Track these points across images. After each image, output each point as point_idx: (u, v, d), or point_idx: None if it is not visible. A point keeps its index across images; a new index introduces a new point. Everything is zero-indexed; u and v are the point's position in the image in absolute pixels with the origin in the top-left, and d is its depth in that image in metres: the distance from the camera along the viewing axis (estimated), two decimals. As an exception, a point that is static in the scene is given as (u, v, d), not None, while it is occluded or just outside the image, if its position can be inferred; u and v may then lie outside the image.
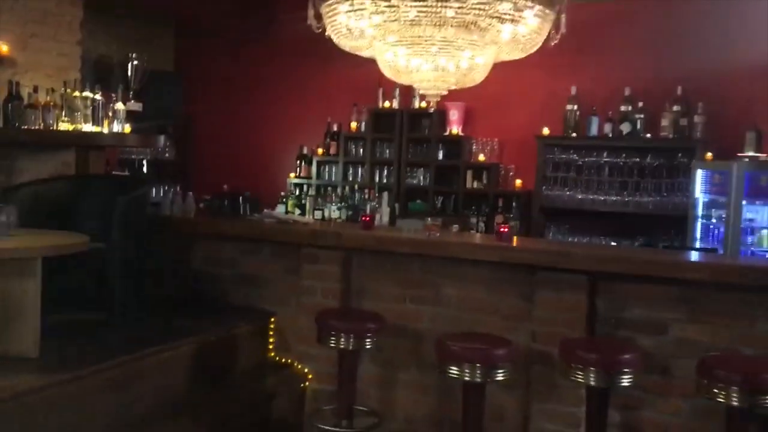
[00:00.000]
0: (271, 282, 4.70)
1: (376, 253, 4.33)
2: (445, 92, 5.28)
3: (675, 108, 6.29)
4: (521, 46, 4.96)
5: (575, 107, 6.62)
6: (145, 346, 3.75)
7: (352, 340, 3.77)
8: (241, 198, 4.99)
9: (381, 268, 4.36)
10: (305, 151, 7.83)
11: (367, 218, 4.44)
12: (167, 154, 7.96)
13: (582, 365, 3.30)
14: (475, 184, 7.12)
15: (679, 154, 6.18)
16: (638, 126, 6.35)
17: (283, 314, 4.63)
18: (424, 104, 7.25)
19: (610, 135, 6.42)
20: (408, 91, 7.20)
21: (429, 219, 4.17)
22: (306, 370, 4.45)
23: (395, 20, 4.60)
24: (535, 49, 4.97)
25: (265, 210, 4.95)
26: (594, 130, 6.49)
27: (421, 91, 5.43)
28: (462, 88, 5.31)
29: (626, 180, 6.34)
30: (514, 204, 6.81)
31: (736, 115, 6.20)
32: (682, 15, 6.50)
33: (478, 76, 5.20)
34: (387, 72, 5.26)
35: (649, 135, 6.35)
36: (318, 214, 7.01)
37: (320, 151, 7.72)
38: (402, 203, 7.29)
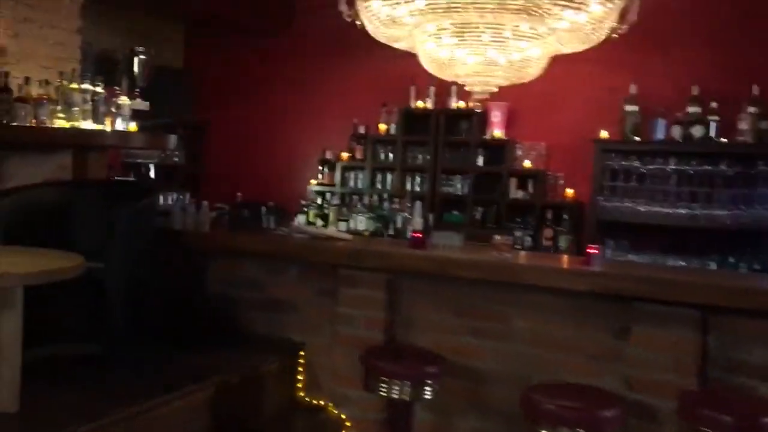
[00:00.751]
0: (300, 308, 4.01)
1: (428, 277, 3.64)
2: (495, 89, 4.67)
3: (751, 110, 5.56)
4: (583, 36, 4.34)
5: (635, 108, 5.89)
6: (152, 394, 3.06)
7: (408, 388, 3.06)
8: (263, 208, 4.28)
9: (434, 295, 3.69)
10: (328, 155, 7.17)
11: (418, 235, 3.72)
12: (176, 158, 7.26)
13: (712, 430, 2.58)
14: (520, 194, 6.44)
15: (759, 162, 5.44)
16: (711, 130, 5.61)
17: (315, 346, 3.93)
18: (462, 104, 6.60)
19: (680, 140, 5.67)
20: (444, 90, 6.52)
21: (497, 236, 3.43)
22: (343, 416, 3.73)
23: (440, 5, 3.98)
24: (600, 40, 4.35)
25: (294, 223, 4.23)
26: (660, 134, 5.76)
27: (467, 88, 4.77)
28: (513, 84, 4.69)
29: (696, 190, 5.60)
30: (565, 216, 6.08)
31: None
32: (756, 3, 5.77)
33: (533, 71, 4.57)
34: (428, 65, 4.62)
35: (724, 140, 5.61)
36: (342, 225, 6.37)
37: (345, 155, 7.07)
38: (436, 214, 6.60)
